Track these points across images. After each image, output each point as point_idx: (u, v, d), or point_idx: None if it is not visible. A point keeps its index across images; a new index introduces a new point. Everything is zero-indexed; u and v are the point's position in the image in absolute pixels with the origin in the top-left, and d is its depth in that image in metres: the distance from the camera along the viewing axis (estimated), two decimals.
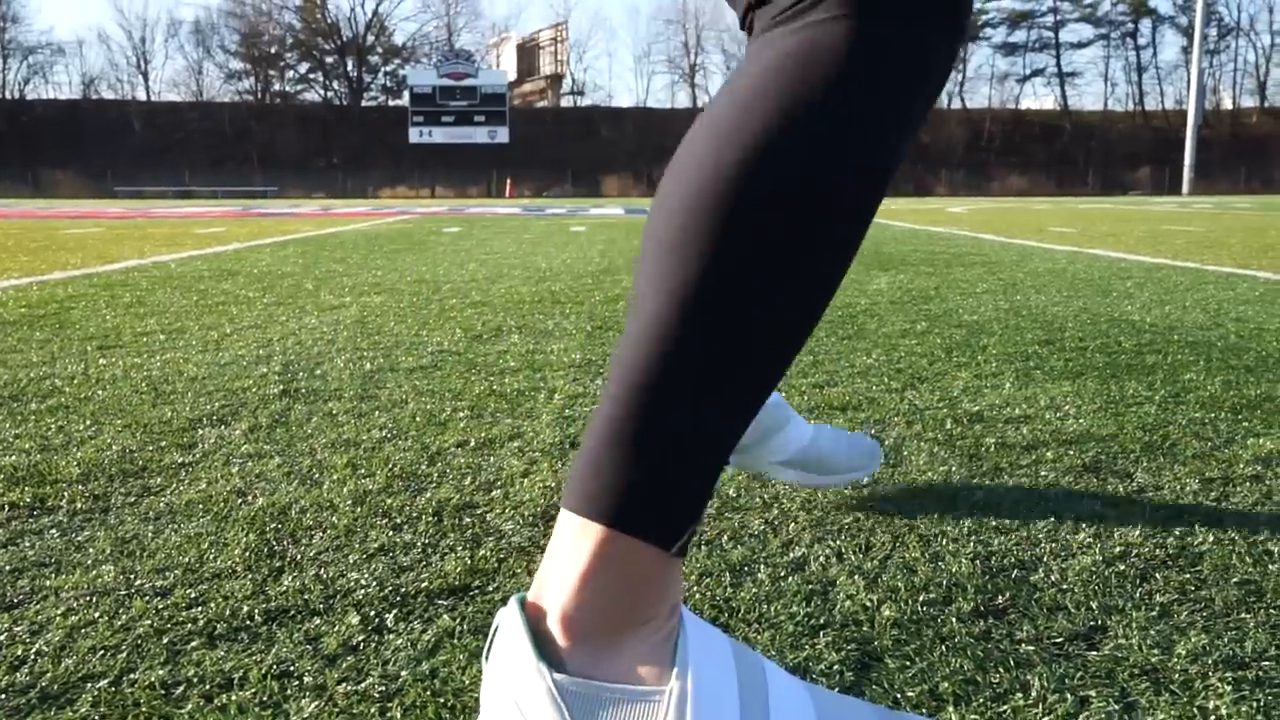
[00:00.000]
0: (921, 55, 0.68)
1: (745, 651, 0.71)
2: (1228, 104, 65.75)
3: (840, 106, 0.67)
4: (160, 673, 0.89)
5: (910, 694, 0.86)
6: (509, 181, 47.11)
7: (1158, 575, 1.11)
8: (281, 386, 2.15)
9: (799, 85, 0.68)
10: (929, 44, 0.68)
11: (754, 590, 1.07)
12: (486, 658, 0.70)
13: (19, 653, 0.93)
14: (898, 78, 0.68)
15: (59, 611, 1.02)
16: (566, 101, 65.60)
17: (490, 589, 1.08)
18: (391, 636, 0.97)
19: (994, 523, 1.28)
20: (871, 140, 0.68)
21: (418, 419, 1.86)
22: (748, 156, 0.67)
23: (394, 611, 1.02)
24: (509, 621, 0.69)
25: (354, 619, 1.00)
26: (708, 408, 0.68)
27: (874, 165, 0.68)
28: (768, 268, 0.67)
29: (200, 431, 1.76)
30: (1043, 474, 1.49)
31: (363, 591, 1.07)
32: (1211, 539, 1.21)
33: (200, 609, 1.02)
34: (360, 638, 0.97)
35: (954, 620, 1.00)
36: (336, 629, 0.98)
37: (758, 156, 0.67)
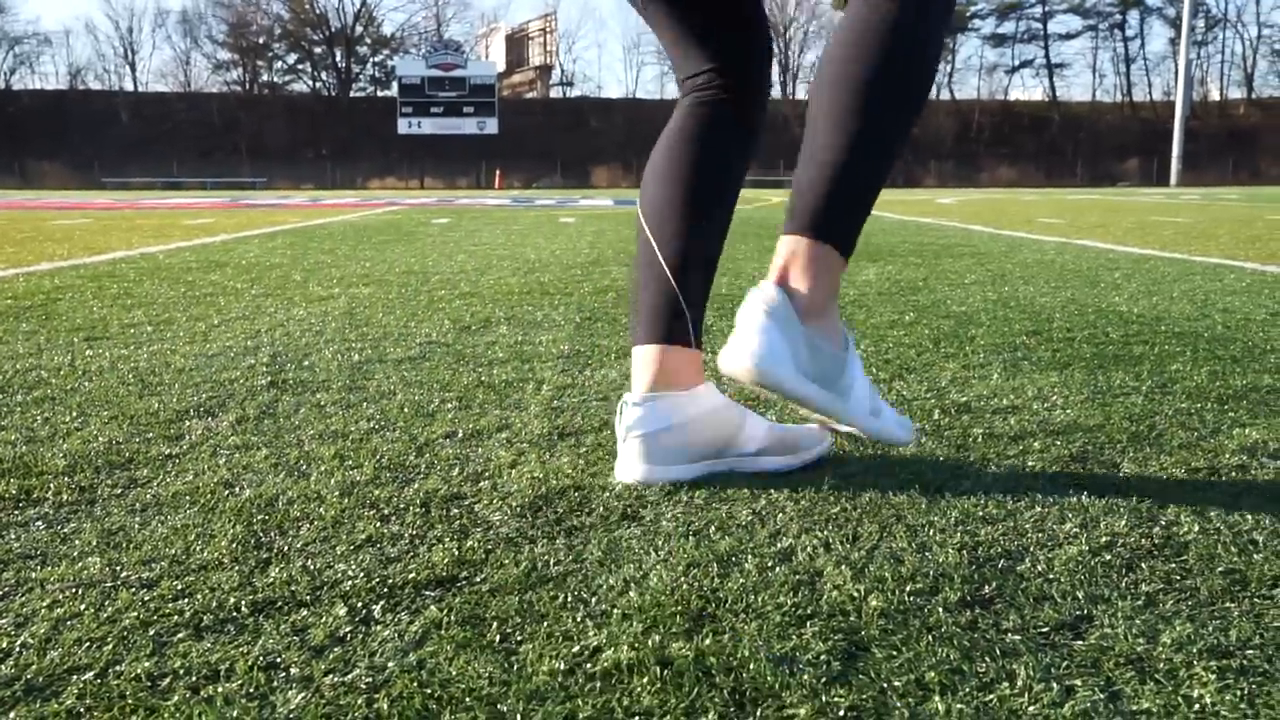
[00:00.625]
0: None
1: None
2: (1215, 95, 65.96)
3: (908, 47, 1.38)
4: (146, 665, 0.89)
5: (897, 684, 0.86)
6: (498, 172, 46.99)
7: (1144, 565, 1.11)
8: (269, 378, 2.14)
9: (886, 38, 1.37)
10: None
11: (741, 581, 1.07)
12: (742, 316, 1.35)
13: (3, 645, 0.93)
14: (941, 27, 1.40)
15: (44, 604, 1.02)
16: (556, 92, 65.47)
17: (478, 580, 1.08)
18: (379, 628, 0.97)
19: (981, 513, 1.28)
20: (929, 65, 1.40)
21: (405, 410, 1.85)
22: (874, 74, 1.35)
23: (381, 603, 1.02)
24: (767, 290, 1.35)
25: (341, 610, 1.00)
26: (870, 185, 1.38)
27: (928, 78, 1.41)
28: (894, 121, 1.38)
29: (187, 423, 1.76)
30: (1030, 464, 1.50)
31: (350, 583, 1.07)
32: (1197, 529, 1.22)
33: (187, 600, 1.02)
34: (347, 629, 0.96)
35: (940, 610, 1.00)
36: (323, 620, 0.98)
37: (877, 74, 1.35)
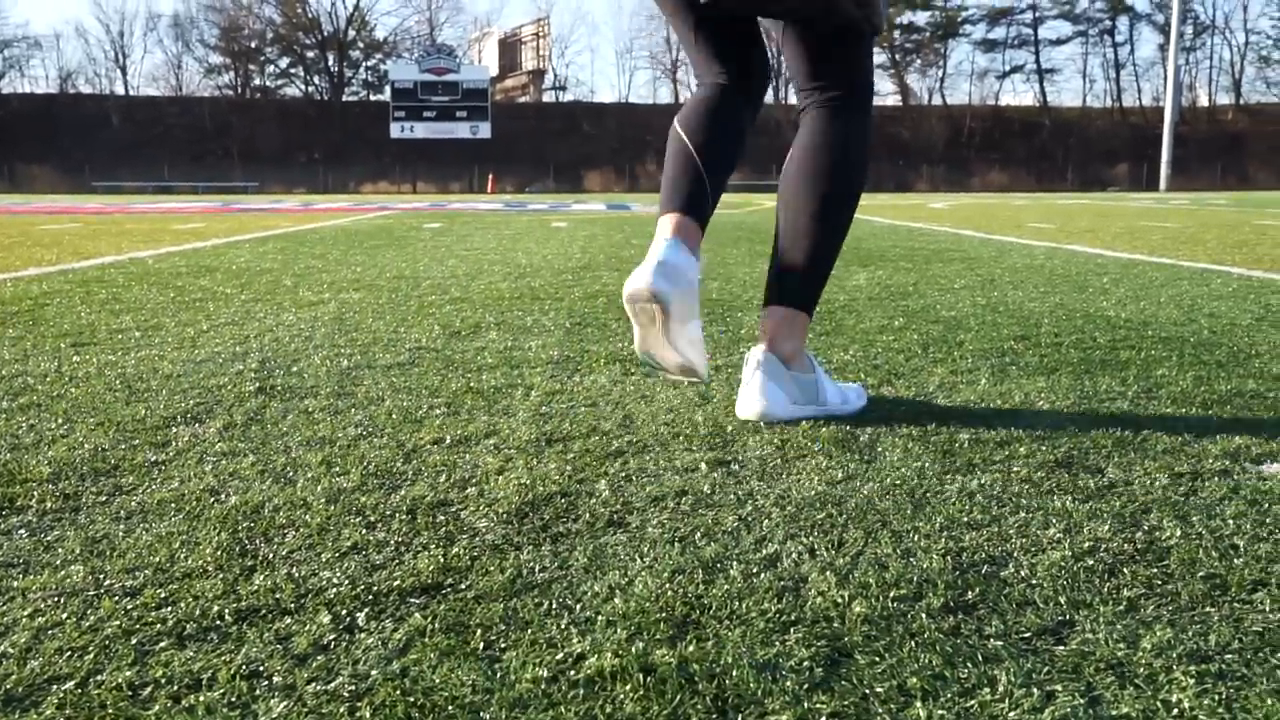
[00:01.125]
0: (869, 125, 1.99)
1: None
2: (1204, 101, 66.24)
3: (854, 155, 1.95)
4: (128, 674, 0.89)
5: (879, 690, 0.86)
6: (491, 177, 46.99)
7: (1125, 570, 1.12)
8: (257, 384, 2.14)
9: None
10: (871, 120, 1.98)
11: (726, 587, 1.07)
12: (748, 374, 1.84)
13: None
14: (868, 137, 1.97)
15: (26, 613, 1.01)
16: (549, 97, 65.49)
17: (463, 587, 1.08)
18: (362, 635, 0.97)
19: (965, 518, 1.28)
20: (862, 174, 1.98)
21: (394, 416, 1.85)
22: (827, 184, 1.91)
23: (365, 610, 1.02)
24: (764, 355, 1.84)
25: (325, 618, 1.00)
26: (827, 265, 1.92)
27: (862, 183, 1.98)
28: (842, 217, 1.93)
29: (174, 429, 1.75)
30: (1015, 469, 1.50)
31: (334, 590, 1.07)
32: (1179, 533, 1.22)
33: (170, 609, 1.02)
34: (331, 637, 0.96)
35: (924, 616, 1.00)
36: (307, 628, 0.98)
37: (829, 183, 1.91)
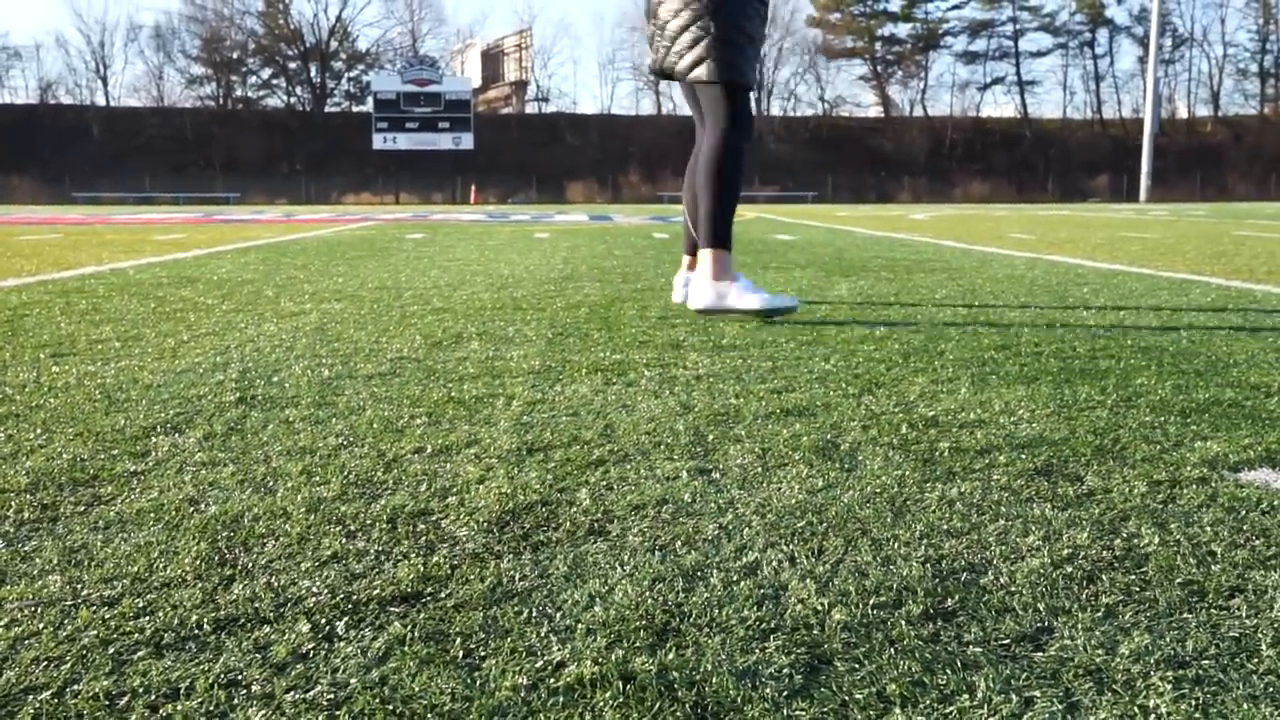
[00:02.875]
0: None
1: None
2: (1183, 113, 66.80)
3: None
4: (105, 683, 0.88)
5: (858, 696, 0.86)
6: (473, 188, 46.96)
7: (1104, 577, 1.12)
8: (238, 394, 2.13)
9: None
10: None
11: (706, 595, 1.07)
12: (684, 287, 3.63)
13: None
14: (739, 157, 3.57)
15: (1, 623, 1.01)
16: (531, 108, 65.51)
17: (443, 595, 1.08)
18: (342, 644, 0.97)
19: (945, 526, 1.29)
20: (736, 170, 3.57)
21: (375, 426, 1.85)
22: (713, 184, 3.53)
23: (345, 619, 1.02)
24: (688, 276, 3.77)
25: (304, 627, 1.00)
26: (729, 214, 3.54)
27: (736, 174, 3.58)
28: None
29: (154, 439, 1.75)
30: (995, 477, 1.51)
31: (314, 599, 1.07)
32: (1157, 540, 1.23)
33: (148, 618, 1.01)
34: (310, 646, 0.96)
35: (904, 623, 1.01)
36: (286, 637, 0.98)
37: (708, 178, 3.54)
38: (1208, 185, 54.85)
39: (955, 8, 69.96)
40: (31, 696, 0.86)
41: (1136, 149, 49.64)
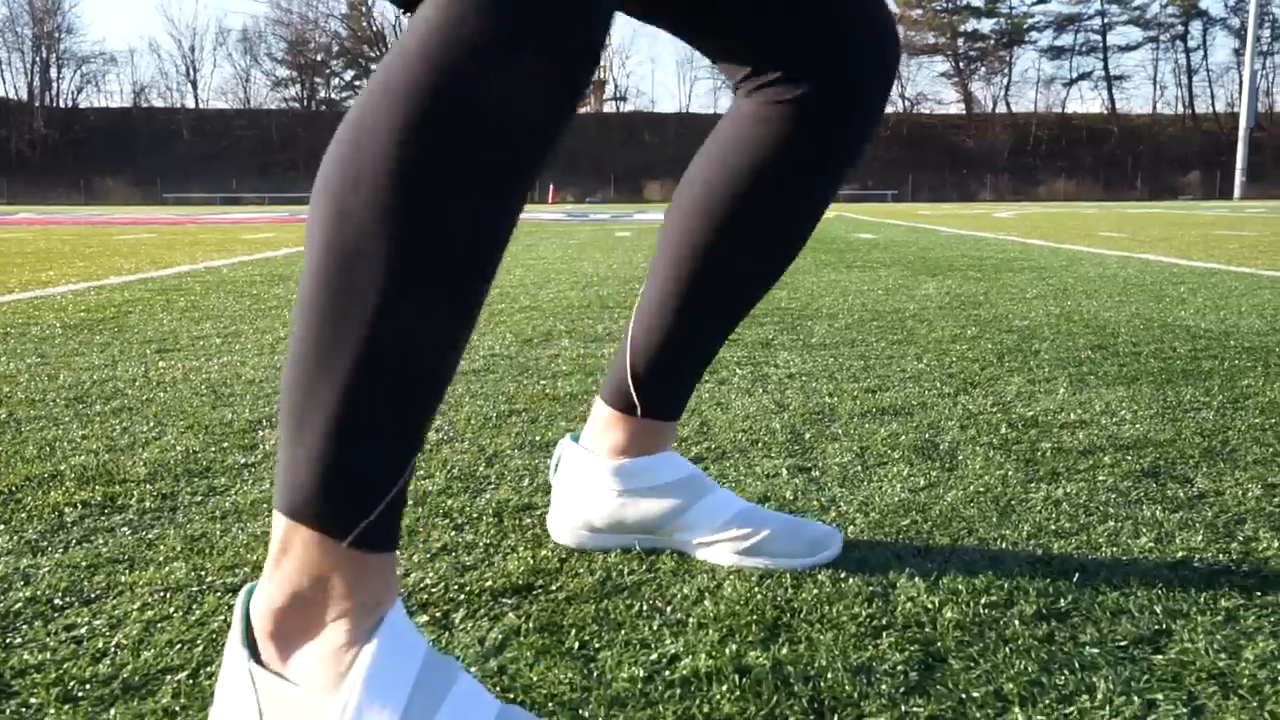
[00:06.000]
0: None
1: (442, 671, 0.74)
2: None
3: None
4: None
5: (975, 694, 0.86)
6: (552, 187, 47.32)
7: (1222, 580, 1.10)
8: None
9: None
10: None
11: (815, 591, 1.08)
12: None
13: (100, 645, 0.96)
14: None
15: (135, 606, 1.05)
16: (609, 107, 65.81)
17: (554, 588, 1.09)
18: (460, 634, 0.99)
19: (1053, 526, 1.27)
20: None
21: (473, 422, 1.88)
22: None
23: (461, 610, 1.04)
24: (238, 606, 0.77)
25: (422, 617, 1.02)
26: (366, 397, 0.72)
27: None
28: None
29: (260, 433, 1.80)
30: (1101, 479, 1.48)
31: (428, 590, 1.09)
32: (1276, 545, 1.20)
33: None
34: (429, 634, 0.98)
35: (1016, 623, 1.00)
36: None
37: None
38: None
39: (1040, 2, 68.59)
40: (169, 676, 0.90)
41: (1230, 145, 48.15)
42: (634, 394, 1.15)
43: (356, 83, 66.35)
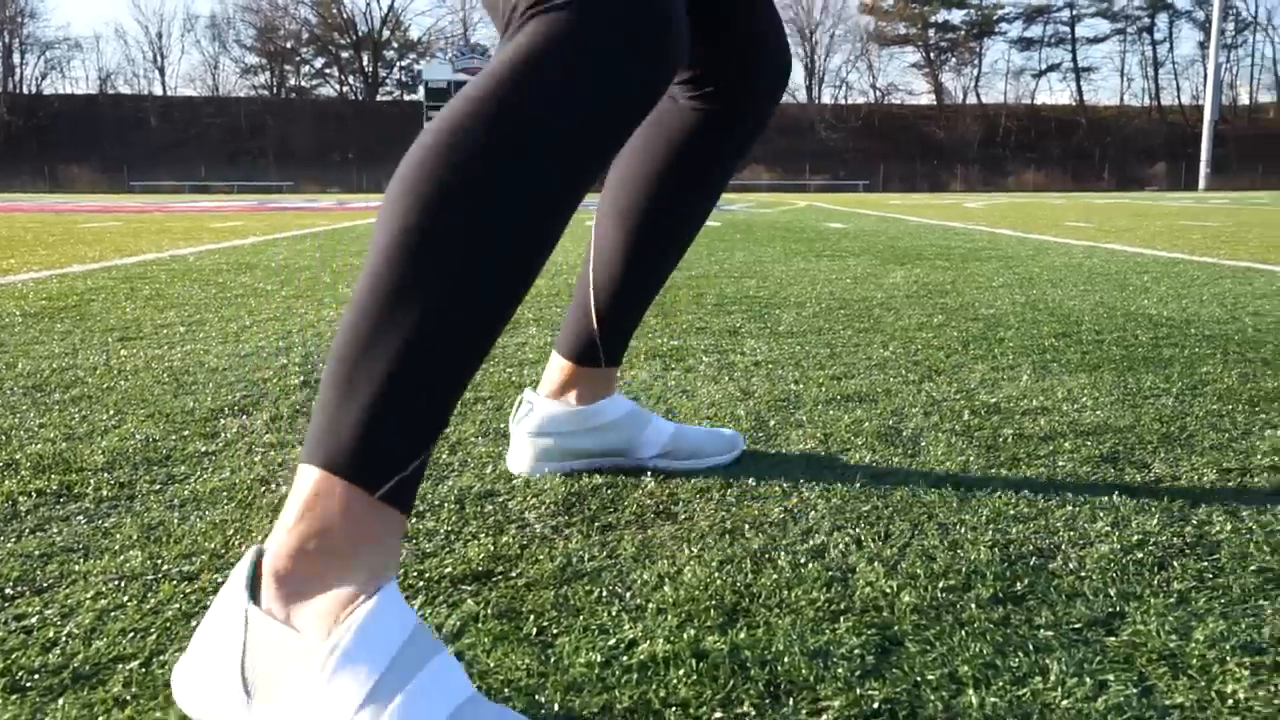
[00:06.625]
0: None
1: (427, 645, 0.77)
2: (1245, 99, 65.34)
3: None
4: None
5: (930, 677, 0.87)
6: None
7: (1175, 563, 1.11)
8: (302, 377, 2.16)
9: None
10: None
11: (774, 577, 1.08)
12: None
13: (50, 635, 0.95)
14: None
15: (88, 595, 1.04)
16: None
17: (514, 575, 1.09)
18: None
19: (1012, 511, 1.28)
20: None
21: None
22: None
23: (420, 597, 1.04)
24: (249, 555, 0.81)
25: None
26: (406, 360, 0.80)
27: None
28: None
29: (222, 421, 1.78)
30: (1060, 464, 1.50)
31: None
32: (1229, 528, 1.22)
33: None
34: None
35: (973, 606, 1.00)
36: None
37: None
38: (1270, 174, 53.63)
39: None
40: (121, 665, 0.89)
41: (1196, 137, 48.65)
42: (600, 348, 1.43)
43: (327, 70, 65.85)
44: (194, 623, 0.97)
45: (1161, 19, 65.90)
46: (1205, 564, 1.11)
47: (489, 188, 0.80)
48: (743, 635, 0.94)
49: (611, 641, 0.93)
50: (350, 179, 53.01)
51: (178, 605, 1.01)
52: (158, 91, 64.55)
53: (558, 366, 1.47)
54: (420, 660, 0.75)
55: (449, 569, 1.11)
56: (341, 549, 0.78)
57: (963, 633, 0.95)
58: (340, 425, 0.79)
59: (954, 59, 67.24)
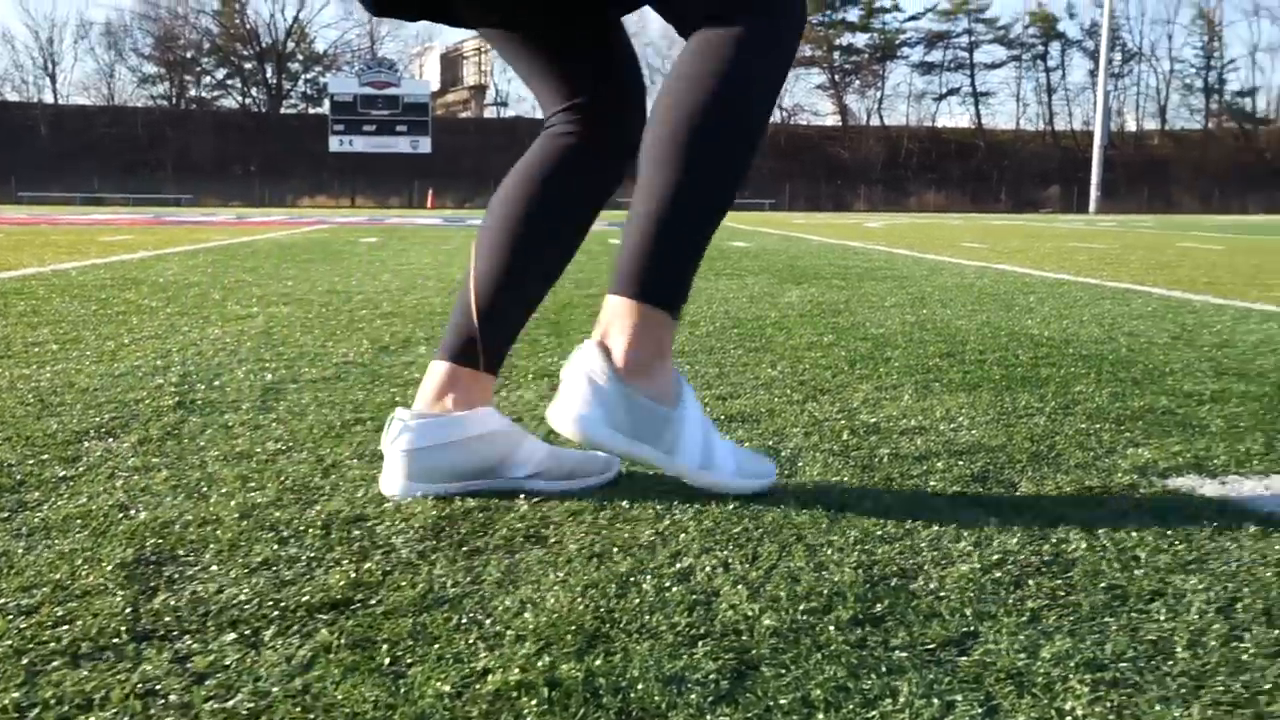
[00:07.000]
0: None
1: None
2: (1132, 126, 67.97)
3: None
4: (15, 695, 0.86)
5: (783, 701, 0.87)
6: (430, 192, 46.72)
7: (1031, 582, 1.14)
8: (177, 398, 2.10)
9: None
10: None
11: (638, 601, 1.07)
12: (565, 372, 1.39)
13: None
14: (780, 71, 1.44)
15: None
16: (490, 112, 65.36)
17: (373, 602, 1.07)
18: (267, 652, 0.95)
19: (880, 532, 1.30)
20: (763, 107, 1.42)
21: (315, 431, 1.83)
22: (702, 113, 1.36)
23: (272, 627, 1.01)
24: (587, 349, 1.36)
25: (229, 636, 0.98)
26: (694, 240, 1.37)
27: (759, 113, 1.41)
28: (717, 167, 1.38)
29: (86, 444, 1.72)
30: (932, 484, 1.52)
31: (240, 607, 1.05)
32: (1085, 545, 1.25)
33: (66, 628, 0.99)
34: (234, 654, 0.95)
35: (832, 628, 1.01)
36: (209, 646, 0.96)
37: (705, 113, 1.36)
38: (1155, 198, 55.83)
39: (912, 19, 70.83)
40: None
41: (1087, 161, 50.46)
42: (479, 345, 1.48)
43: (229, 81, 64.45)
44: (26, 659, 0.93)
45: (1054, 47, 68.24)
46: (1059, 582, 1.14)
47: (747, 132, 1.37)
48: (599, 662, 0.93)
49: (465, 671, 0.92)
50: (252, 192, 51.87)
51: (10, 642, 0.96)
52: (49, 99, 62.44)
53: (436, 372, 1.50)
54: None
55: (306, 597, 1.08)
56: (659, 350, 1.38)
57: (819, 655, 0.95)
58: (667, 279, 1.37)
59: (858, 81, 68.67)
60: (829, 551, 1.23)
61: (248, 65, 63.95)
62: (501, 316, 1.49)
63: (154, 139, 56.89)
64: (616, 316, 1.35)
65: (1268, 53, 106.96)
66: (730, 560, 1.20)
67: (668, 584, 1.12)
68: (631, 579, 1.14)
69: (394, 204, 49.78)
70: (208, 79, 64.63)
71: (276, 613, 1.04)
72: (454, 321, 1.51)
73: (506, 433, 1.47)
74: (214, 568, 1.16)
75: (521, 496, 1.43)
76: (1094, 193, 45.97)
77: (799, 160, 61.04)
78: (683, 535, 1.28)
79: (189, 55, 63.08)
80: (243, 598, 1.08)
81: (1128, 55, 67.05)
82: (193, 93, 63.94)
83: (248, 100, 64.30)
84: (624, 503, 1.41)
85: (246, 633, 0.99)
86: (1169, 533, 1.30)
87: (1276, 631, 1.01)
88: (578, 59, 1.51)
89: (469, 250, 1.67)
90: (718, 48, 1.34)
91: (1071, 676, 0.91)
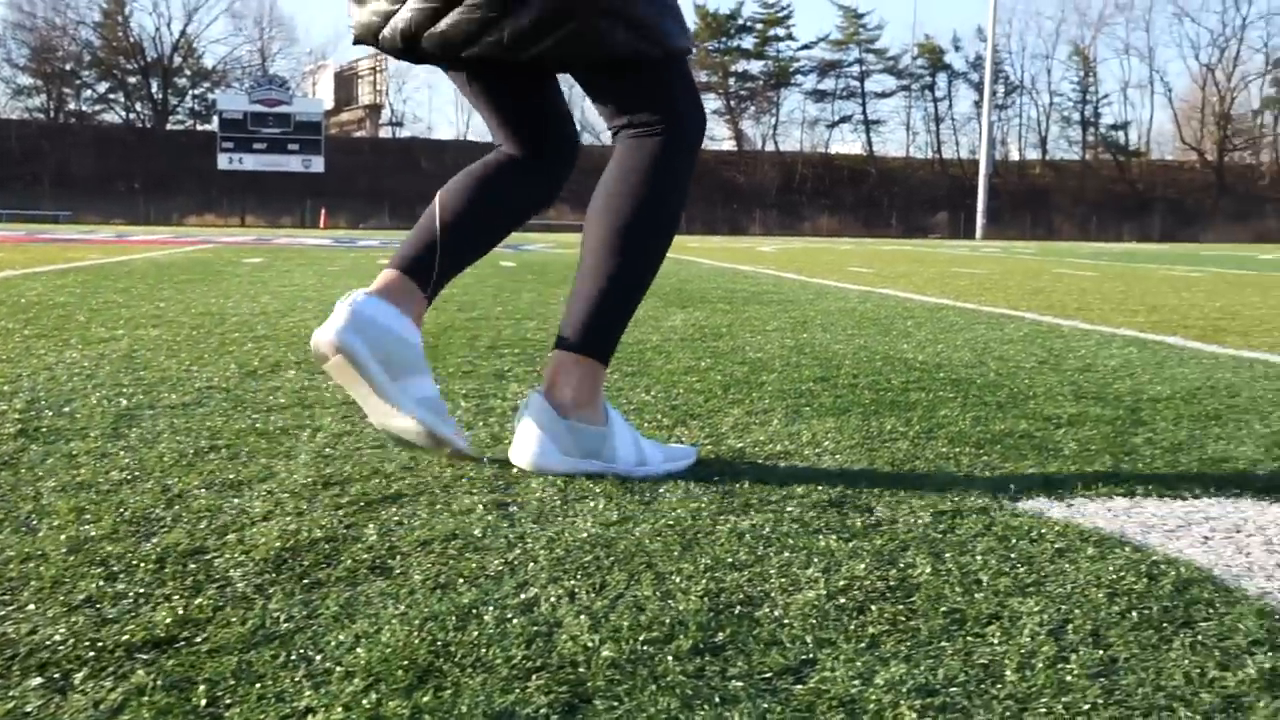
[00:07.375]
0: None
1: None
2: (1015, 155, 70.44)
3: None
4: None
5: None
6: (323, 212, 45.88)
7: (874, 607, 1.15)
8: (19, 425, 2.00)
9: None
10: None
11: (477, 634, 1.05)
12: (519, 420, 1.75)
13: None
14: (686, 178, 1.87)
15: None
16: (385, 132, 64.57)
17: (198, 640, 1.02)
18: (75, 696, 0.90)
19: (730, 559, 1.30)
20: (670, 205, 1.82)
21: (165, 459, 1.76)
22: (626, 217, 1.78)
23: (85, 669, 0.95)
24: (534, 400, 1.73)
25: (35, 680, 0.93)
26: (622, 310, 1.79)
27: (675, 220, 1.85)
28: (643, 257, 1.81)
29: None
30: (789, 509, 1.53)
31: (53, 648, 0.99)
32: (930, 570, 1.27)
33: None
34: (37, 701, 0.89)
35: (670, 658, 1.00)
36: (11, 693, 0.91)
37: (628, 216, 1.78)
38: (1037, 225, 57.86)
39: (805, 47, 72.09)
40: None
41: (973, 189, 52.10)
42: (437, 254, 1.78)
43: (111, 95, 62.41)
44: None
45: (942, 78, 70.33)
46: (901, 607, 1.15)
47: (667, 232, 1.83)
48: (428, 698, 0.91)
49: (286, 710, 0.88)
50: (136, 210, 50.19)
51: None
52: None
53: (391, 278, 1.79)
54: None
55: (127, 636, 1.02)
56: (595, 388, 1.75)
57: (654, 686, 0.94)
58: (608, 340, 1.79)
59: (753, 107, 69.76)
60: (677, 579, 1.22)
61: (132, 79, 62.03)
62: (458, 241, 1.83)
63: (29, 152, 54.69)
64: (563, 367, 1.74)
65: (1138, 89, 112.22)
66: (577, 590, 1.18)
67: (510, 615, 1.10)
68: (473, 610, 1.11)
69: (286, 223, 48.72)
70: (88, 92, 62.52)
71: (92, 653, 0.99)
72: (414, 238, 1.83)
73: (421, 352, 1.76)
74: (30, 606, 1.10)
75: (371, 527, 1.40)
76: (980, 219, 47.48)
77: (696, 185, 61.39)
78: (532, 565, 1.26)
79: (68, 67, 60.92)
80: (57, 638, 1.02)
81: (1010, 87, 69.50)
82: (72, 106, 61.76)
83: (132, 115, 62.37)
84: (476, 531, 1.39)
85: (55, 675, 0.94)
86: (1012, 556, 1.33)
87: (1101, 652, 1.04)
88: (519, 116, 1.89)
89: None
90: (638, 162, 1.78)
91: (902, 702, 0.92)
